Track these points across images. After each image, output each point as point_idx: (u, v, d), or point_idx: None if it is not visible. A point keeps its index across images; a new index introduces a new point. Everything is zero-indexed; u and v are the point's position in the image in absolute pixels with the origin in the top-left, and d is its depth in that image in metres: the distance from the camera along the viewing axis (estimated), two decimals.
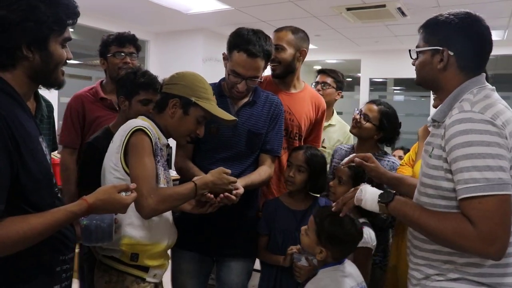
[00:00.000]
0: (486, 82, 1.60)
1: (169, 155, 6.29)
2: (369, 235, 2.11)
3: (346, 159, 2.13)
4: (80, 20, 1.95)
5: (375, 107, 2.54)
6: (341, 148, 2.76)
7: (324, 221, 1.91)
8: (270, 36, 2.34)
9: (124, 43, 2.78)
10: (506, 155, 1.39)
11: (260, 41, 2.20)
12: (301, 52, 2.69)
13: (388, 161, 2.51)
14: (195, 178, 1.99)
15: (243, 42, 2.20)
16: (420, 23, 1.72)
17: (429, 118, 1.69)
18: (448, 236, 1.43)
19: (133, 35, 2.86)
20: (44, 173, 1.42)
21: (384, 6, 5.07)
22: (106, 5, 5.41)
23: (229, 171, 2.01)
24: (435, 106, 2.28)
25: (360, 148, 2.60)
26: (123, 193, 1.55)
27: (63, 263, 1.51)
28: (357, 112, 2.58)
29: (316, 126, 2.83)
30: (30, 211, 1.35)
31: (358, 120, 2.53)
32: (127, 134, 1.84)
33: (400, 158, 4.33)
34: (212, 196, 2.03)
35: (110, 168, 1.88)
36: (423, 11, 5.22)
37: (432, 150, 1.55)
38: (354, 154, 2.12)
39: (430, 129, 1.70)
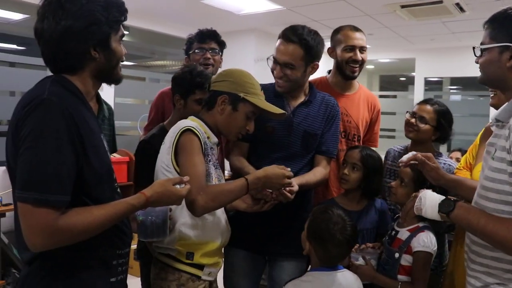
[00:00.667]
0: None
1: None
2: (429, 240, 2.05)
3: (406, 156, 2.07)
4: (133, 22, 2.02)
5: (429, 107, 2.46)
6: (394, 150, 2.70)
7: (315, 216, 1.92)
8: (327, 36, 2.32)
9: (204, 39, 2.84)
10: None
11: (301, 31, 2.20)
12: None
13: (444, 163, 2.42)
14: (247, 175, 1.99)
15: (286, 29, 2.24)
16: (480, 19, 1.64)
17: (492, 117, 1.61)
18: None
19: (214, 31, 2.90)
20: (105, 169, 1.50)
21: (441, 2, 4.92)
22: (159, 7, 5.53)
23: (282, 167, 1.99)
24: (492, 105, 2.19)
25: (414, 150, 2.52)
26: (178, 186, 1.60)
27: (120, 257, 1.57)
28: (410, 115, 2.51)
29: (372, 126, 2.81)
30: (90, 204, 1.41)
31: (415, 123, 2.45)
32: (177, 135, 1.87)
33: (458, 160, 4.18)
34: (268, 192, 2.02)
35: (162, 169, 1.91)
36: (484, 6, 5.03)
37: (495, 152, 1.48)
38: (415, 152, 2.06)
39: (493, 128, 1.62)
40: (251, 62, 6.50)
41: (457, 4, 4.99)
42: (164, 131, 2.12)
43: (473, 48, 1.63)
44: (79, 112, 1.40)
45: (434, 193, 1.67)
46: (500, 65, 1.52)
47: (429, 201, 1.64)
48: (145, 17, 5.78)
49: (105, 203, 1.43)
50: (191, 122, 1.94)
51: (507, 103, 1.55)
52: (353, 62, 2.62)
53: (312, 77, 2.44)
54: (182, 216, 1.90)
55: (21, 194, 1.29)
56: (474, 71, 2.26)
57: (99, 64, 1.50)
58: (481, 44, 1.59)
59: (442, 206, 1.58)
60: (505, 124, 1.50)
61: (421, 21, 5.82)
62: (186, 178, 1.64)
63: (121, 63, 1.60)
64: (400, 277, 2.08)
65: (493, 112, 1.81)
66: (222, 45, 2.93)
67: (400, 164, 2.13)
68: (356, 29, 2.67)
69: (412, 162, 2.04)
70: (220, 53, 2.93)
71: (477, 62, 1.63)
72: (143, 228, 1.71)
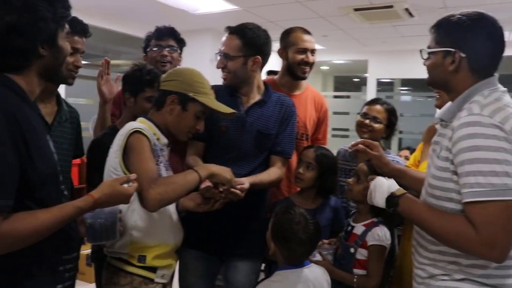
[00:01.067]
0: (498, 84, 1.58)
1: None
2: (383, 234, 2.12)
3: (353, 143, 2.13)
4: (87, 20, 1.97)
5: (380, 107, 2.56)
6: (343, 149, 2.76)
7: (278, 216, 1.95)
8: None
9: (162, 36, 2.79)
10: None
11: (242, 25, 2.25)
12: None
13: (393, 160, 2.50)
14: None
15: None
16: (427, 24, 1.71)
17: (436, 116, 1.69)
18: (451, 238, 1.47)
19: (172, 28, 2.86)
20: (50, 170, 1.44)
21: (391, 6, 5.07)
22: (112, 5, 5.43)
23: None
24: (437, 106, 2.28)
25: None
26: (125, 185, 1.57)
27: (66, 262, 1.55)
28: (362, 116, 2.59)
29: (320, 125, 2.86)
30: (33, 207, 1.36)
31: (368, 123, 2.54)
32: (125, 137, 1.83)
33: (407, 158, 4.32)
34: (217, 190, 2.02)
35: (110, 173, 1.87)
36: (430, 12, 5.21)
37: (440, 151, 1.55)
38: (362, 139, 2.13)
39: (437, 127, 1.69)
40: (207, 62, 6.48)
41: (407, 9, 5.16)
42: (116, 131, 2.10)
43: (420, 51, 1.70)
44: (22, 112, 1.34)
45: (383, 183, 1.72)
46: (444, 68, 1.59)
47: (378, 193, 1.71)
48: (99, 15, 5.66)
49: (50, 207, 1.37)
50: (139, 124, 1.91)
51: (450, 103, 1.63)
52: (305, 64, 2.69)
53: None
54: (133, 220, 1.86)
55: None
56: (423, 73, 2.35)
57: (46, 62, 1.44)
58: (428, 47, 1.66)
59: (388, 203, 1.66)
60: (448, 124, 1.57)
61: (373, 24, 5.96)
62: (133, 176, 1.60)
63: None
64: (355, 270, 2.14)
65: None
66: (181, 42, 2.89)
67: (349, 147, 2.20)
68: (307, 31, 2.74)
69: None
70: (179, 51, 2.88)
71: (424, 65, 1.70)
72: (92, 231, 1.65)
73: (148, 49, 2.83)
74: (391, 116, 2.56)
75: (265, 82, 2.43)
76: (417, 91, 9.61)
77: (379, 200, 1.70)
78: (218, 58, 2.31)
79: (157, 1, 5.21)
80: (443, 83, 1.65)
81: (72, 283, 1.58)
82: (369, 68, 8.53)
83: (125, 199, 1.57)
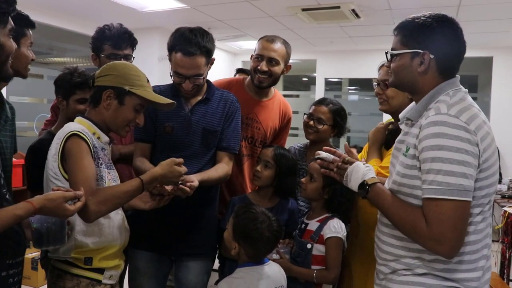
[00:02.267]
0: (459, 84, 1.63)
1: None
2: (339, 226, 2.17)
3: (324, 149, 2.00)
4: (32, 16, 1.90)
5: (325, 108, 2.57)
6: (294, 147, 2.79)
7: (240, 216, 1.96)
8: (218, 35, 2.34)
9: (120, 45, 2.57)
10: (473, 162, 1.45)
11: (196, 39, 2.19)
12: (287, 67, 2.70)
13: None
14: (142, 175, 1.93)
15: (180, 42, 2.20)
16: (373, 25, 1.76)
17: (401, 116, 1.73)
18: (406, 229, 1.54)
19: (131, 35, 2.64)
20: None
21: (338, 7, 5.16)
22: (59, 1, 5.27)
23: (180, 160, 1.96)
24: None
25: (314, 148, 2.63)
26: (70, 202, 1.54)
27: (10, 267, 1.48)
28: (307, 116, 2.60)
29: (280, 133, 2.84)
30: None
31: (313, 125, 2.56)
32: (62, 141, 1.79)
33: None
34: (165, 188, 2.00)
35: (50, 177, 1.82)
36: (376, 13, 5.35)
37: (408, 149, 1.59)
38: (334, 149, 2.00)
39: (402, 126, 1.74)
40: (155, 60, 6.40)
41: (353, 10, 5.26)
42: (52, 136, 2.05)
43: (386, 53, 1.71)
44: None
45: (360, 169, 1.73)
46: (412, 69, 1.62)
47: (353, 178, 1.73)
48: (43, 10, 5.47)
49: None
50: (77, 125, 1.87)
51: (414, 103, 1.68)
52: (260, 72, 2.57)
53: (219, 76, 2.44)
54: (77, 224, 1.82)
55: None
56: (370, 73, 2.40)
57: None
58: (392, 49, 1.69)
59: (359, 189, 1.70)
60: (414, 122, 1.62)
61: (321, 24, 6.05)
62: (80, 193, 1.57)
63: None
64: (313, 267, 2.18)
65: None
66: (135, 45, 2.69)
67: (313, 163, 2.20)
68: (273, 40, 2.60)
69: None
70: (133, 57, 2.68)
71: (388, 66, 1.73)
72: (38, 236, 1.59)
73: (101, 54, 2.57)
74: (337, 116, 2.57)
75: (207, 80, 2.41)
76: (364, 90, 9.83)
77: (353, 184, 1.73)
78: (175, 78, 2.27)
79: None
80: (410, 84, 1.67)
81: None
82: (317, 68, 8.65)
83: (65, 216, 1.55)
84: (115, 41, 2.55)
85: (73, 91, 2.28)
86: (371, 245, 1.86)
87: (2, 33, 1.41)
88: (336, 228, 2.17)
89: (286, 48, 2.64)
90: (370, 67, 2.42)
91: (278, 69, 2.61)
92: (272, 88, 2.77)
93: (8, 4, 1.41)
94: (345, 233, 2.20)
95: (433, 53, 1.58)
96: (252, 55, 2.66)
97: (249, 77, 2.74)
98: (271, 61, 2.58)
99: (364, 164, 1.79)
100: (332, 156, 1.87)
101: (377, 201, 1.66)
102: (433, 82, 1.61)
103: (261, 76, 2.59)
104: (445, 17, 1.61)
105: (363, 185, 1.69)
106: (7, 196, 1.50)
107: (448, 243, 1.44)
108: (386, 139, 2.28)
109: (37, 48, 7.22)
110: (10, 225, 1.38)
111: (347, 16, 5.46)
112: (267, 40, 2.61)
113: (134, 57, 2.67)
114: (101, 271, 1.88)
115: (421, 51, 1.59)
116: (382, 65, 2.28)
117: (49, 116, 2.74)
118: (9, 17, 1.43)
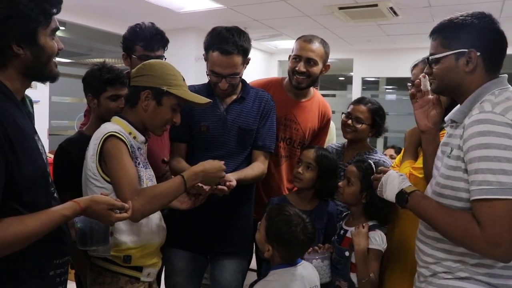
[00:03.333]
0: (507, 84, 1.58)
1: None
2: (380, 238, 2.10)
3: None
4: (71, 18, 1.93)
5: (363, 107, 2.54)
6: (331, 147, 2.76)
7: (274, 219, 1.92)
8: (254, 34, 2.33)
9: (152, 46, 2.48)
10: None
11: (233, 38, 2.19)
12: (326, 67, 2.66)
13: (379, 159, 2.51)
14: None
15: (217, 41, 2.20)
16: (412, 23, 1.71)
17: (446, 118, 1.69)
18: (457, 235, 1.48)
19: (163, 35, 2.54)
20: (39, 172, 1.40)
21: (376, 5, 5.08)
22: (97, 3, 5.37)
23: (221, 163, 1.97)
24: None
25: (352, 147, 2.61)
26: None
27: (57, 267, 1.49)
28: (346, 116, 2.57)
29: (319, 133, 2.81)
30: (21, 210, 1.32)
31: (351, 124, 2.53)
32: (100, 141, 1.80)
33: (392, 157, 4.34)
34: (204, 187, 2.00)
35: (89, 177, 1.84)
36: (415, 11, 5.24)
37: (452, 151, 1.54)
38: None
39: (447, 129, 1.70)
40: (191, 60, 6.45)
41: (391, 8, 5.17)
42: (82, 136, 2.07)
43: (427, 59, 1.67)
44: (7, 113, 1.30)
45: (395, 178, 1.70)
46: (458, 70, 1.58)
47: (389, 188, 1.69)
48: (82, 12, 5.59)
49: (39, 210, 1.34)
50: (113, 125, 1.88)
51: (459, 106, 1.63)
52: (298, 73, 2.55)
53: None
54: (116, 223, 1.84)
55: None
56: (408, 72, 2.36)
57: (25, 61, 1.37)
58: (432, 54, 1.64)
59: (397, 199, 1.66)
60: (459, 124, 1.57)
61: (358, 23, 5.97)
62: (127, 206, 1.57)
63: (58, 59, 1.48)
64: (352, 274, 2.13)
65: None
66: (166, 45, 2.60)
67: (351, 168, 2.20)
68: (311, 40, 2.57)
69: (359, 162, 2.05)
70: (165, 58, 2.58)
71: (428, 74, 1.69)
72: (82, 236, 1.59)
73: (133, 55, 2.51)
74: (375, 116, 2.54)
75: (242, 79, 2.40)
76: (402, 90, 9.66)
77: (390, 195, 1.69)
78: (214, 78, 2.27)
79: None
80: (456, 87, 1.62)
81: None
82: (354, 67, 8.54)
83: (107, 222, 1.56)
84: (147, 42, 2.48)
85: (104, 88, 2.20)
86: (406, 250, 1.81)
87: (44, 33, 1.40)
88: (377, 240, 2.10)
89: (324, 47, 2.60)
90: (408, 66, 2.37)
91: (316, 69, 2.57)
92: (311, 88, 2.74)
93: (50, 5, 1.40)
94: (385, 245, 2.13)
95: (479, 51, 1.53)
96: (289, 56, 2.64)
97: (287, 78, 2.71)
98: (309, 62, 2.55)
99: (397, 172, 1.75)
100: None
101: (419, 209, 1.61)
102: (480, 80, 1.57)
103: (299, 77, 2.57)
104: (483, 13, 1.58)
105: (401, 194, 1.65)
106: (55, 195, 1.52)
107: (505, 245, 1.37)
108: None
109: (77, 50, 7.40)
110: (58, 225, 1.39)
111: (385, 14, 5.37)
112: (305, 40, 2.58)
113: (165, 58, 2.60)
114: (139, 269, 1.90)
115: (466, 50, 1.54)
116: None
117: (83, 119, 2.68)
118: (53, 17, 1.43)
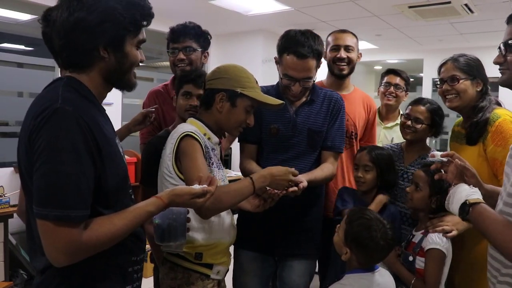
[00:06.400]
0: None
1: (228, 155, 6.37)
2: (440, 238, 2.04)
3: (441, 154, 1.82)
4: None
5: (422, 107, 2.48)
6: (387, 147, 2.70)
7: (353, 222, 1.87)
8: (322, 36, 2.32)
9: (176, 38, 2.59)
10: None
11: (308, 41, 2.18)
12: (359, 55, 2.87)
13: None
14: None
15: (292, 44, 2.19)
16: (488, 20, 1.62)
17: None
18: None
19: (187, 25, 2.60)
20: (122, 176, 1.45)
21: (449, 2, 4.90)
22: (166, 7, 5.53)
23: (293, 169, 1.96)
24: (453, 108, 2.25)
25: (410, 149, 2.56)
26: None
27: (135, 263, 1.53)
28: (405, 117, 2.53)
29: (369, 127, 2.86)
30: (105, 213, 1.36)
31: (411, 125, 2.48)
32: (176, 140, 1.86)
33: None
34: (275, 192, 1.99)
35: (164, 175, 1.91)
36: (492, 7, 5.02)
37: None
38: (452, 152, 1.83)
39: None
40: (259, 62, 6.50)
41: (466, 5, 4.96)
42: (168, 134, 2.12)
43: (499, 47, 1.54)
44: (94, 119, 1.34)
45: (463, 190, 1.59)
46: None
47: (455, 200, 1.58)
48: (153, 18, 5.78)
49: (121, 211, 1.39)
50: (190, 126, 1.93)
51: None
52: (339, 60, 2.74)
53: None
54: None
55: (41, 211, 1.22)
56: (486, 72, 2.27)
57: (108, 65, 1.41)
58: (509, 40, 1.51)
59: (460, 211, 1.54)
60: None
61: (429, 21, 5.79)
62: (210, 188, 1.58)
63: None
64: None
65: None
66: (201, 37, 2.62)
67: (418, 171, 2.17)
68: (344, 31, 2.83)
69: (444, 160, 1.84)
70: (201, 49, 2.63)
71: (498, 63, 1.56)
72: (160, 231, 1.64)
73: (167, 51, 2.63)
74: (435, 115, 2.48)
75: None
76: None
77: (455, 207, 1.57)
78: (285, 81, 2.27)
79: (210, 3, 5.27)
80: None
81: (139, 284, 1.59)
82: (424, 67, 8.31)
83: (195, 208, 1.62)
84: (172, 35, 2.61)
85: (181, 86, 2.28)
86: (478, 259, 1.69)
87: (131, 42, 1.44)
88: (435, 240, 2.03)
89: (355, 37, 2.85)
90: (484, 66, 2.25)
91: (354, 55, 2.80)
92: (351, 84, 2.85)
93: (142, 17, 1.46)
94: (447, 245, 2.05)
95: None
96: (325, 52, 2.75)
97: (326, 76, 2.85)
98: (348, 49, 2.77)
99: (470, 186, 1.62)
100: (446, 159, 1.75)
101: (479, 221, 1.46)
102: None
103: (340, 64, 2.75)
104: None
105: (464, 205, 1.52)
106: (132, 196, 1.56)
107: None
108: (468, 133, 2.22)
109: (148, 53, 7.66)
110: (143, 222, 1.43)
111: (459, 11, 5.16)
112: (339, 31, 2.84)
113: (201, 50, 2.62)
114: (210, 266, 1.94)
115: None
116: (444, 63, 2.36)
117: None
118: (142, 30, 1.48)
